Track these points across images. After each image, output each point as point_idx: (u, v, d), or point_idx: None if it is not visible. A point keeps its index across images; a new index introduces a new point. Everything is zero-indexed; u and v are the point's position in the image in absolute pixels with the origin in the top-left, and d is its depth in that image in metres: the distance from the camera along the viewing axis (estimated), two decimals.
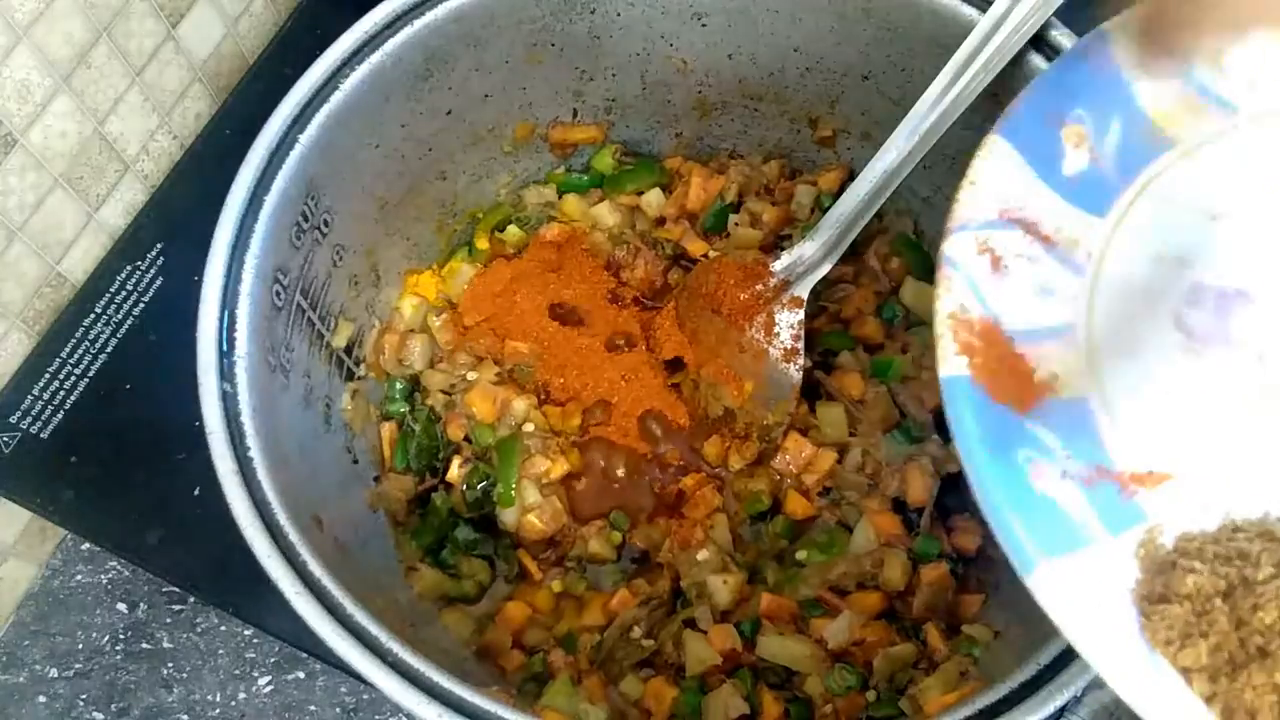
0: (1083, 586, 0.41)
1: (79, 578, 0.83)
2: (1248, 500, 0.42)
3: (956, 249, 0.47)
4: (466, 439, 0.72)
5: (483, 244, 0.80)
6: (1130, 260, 0.47)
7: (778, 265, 0.72)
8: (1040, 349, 0.46)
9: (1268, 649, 0.38)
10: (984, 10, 0.60)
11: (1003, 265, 0.47)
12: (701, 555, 0.69)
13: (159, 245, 0.85)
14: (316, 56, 0.62)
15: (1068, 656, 0.50)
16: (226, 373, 0.56)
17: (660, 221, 0.80)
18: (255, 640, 0.80)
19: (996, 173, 0.48)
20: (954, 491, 0.71)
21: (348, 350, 0.72)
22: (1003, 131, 0.49)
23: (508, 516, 0.70)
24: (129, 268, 0.84)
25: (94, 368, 0.81)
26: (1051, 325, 0.46)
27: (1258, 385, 0.44)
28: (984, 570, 0.69)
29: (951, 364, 0.45)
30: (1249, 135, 0.48)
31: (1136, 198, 0.48)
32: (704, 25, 0.72)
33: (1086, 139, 0.49)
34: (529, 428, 0.72)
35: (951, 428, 0.44)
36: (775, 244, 0.78)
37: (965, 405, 0.44)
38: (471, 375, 0.74)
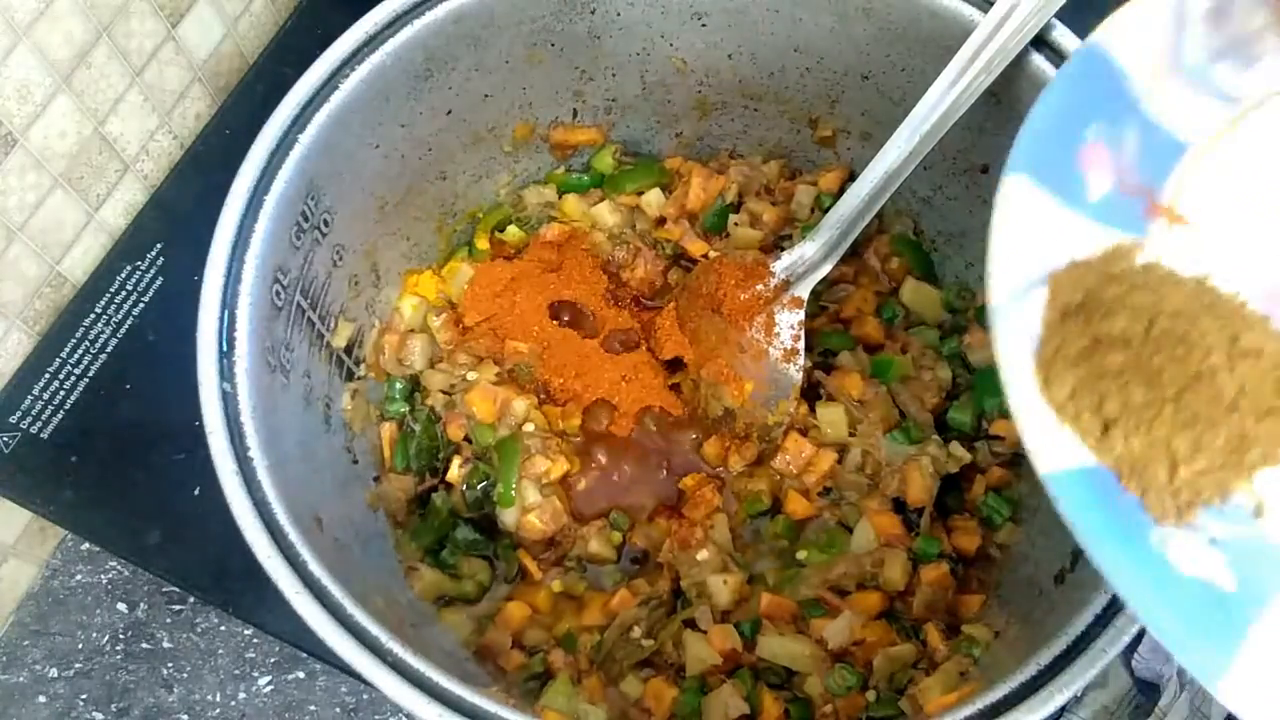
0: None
1: (79, 578, 0.83)
2: None
3: (1007, 331, 0.42)
4: (466, 439, 0.72)
5: (483, 244, 0.80)
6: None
7: (778, 265, 0.72)
8: None
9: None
10: (984, 10, 0.60)
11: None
12: (701, 555, 0.69)
13: (159, 245, 0.85)
14: (316, 56, 0.62)
15: (1068, 656, 0.50)
16: (226, 373, 0.56)
17: (660, 221, 0.80)
18: (255, 640, 0.80)
19: (1024, 215, 0.44)
20: (954, 491, 0.71)
21: (348, 350, 0.72)
22: (1017, 167, 0.44)
23: (508, 516, 0.70)
24: (129, 268, 0.84)
25: (94, 368, 0.81)
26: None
27: None
28: (984, 570, 0.69)
29: (1057, 456, 0.40)
30: (1257, 123, 0.47)
31: (1173, 205, 0.46)
32: (704, 25, 0.72)
33: (1106, 157, 0.46)
34: (529, 428, 0.72)
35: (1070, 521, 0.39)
36: (775, 244, 0.78)
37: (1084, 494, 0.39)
38: (471, 375, 0.74)
